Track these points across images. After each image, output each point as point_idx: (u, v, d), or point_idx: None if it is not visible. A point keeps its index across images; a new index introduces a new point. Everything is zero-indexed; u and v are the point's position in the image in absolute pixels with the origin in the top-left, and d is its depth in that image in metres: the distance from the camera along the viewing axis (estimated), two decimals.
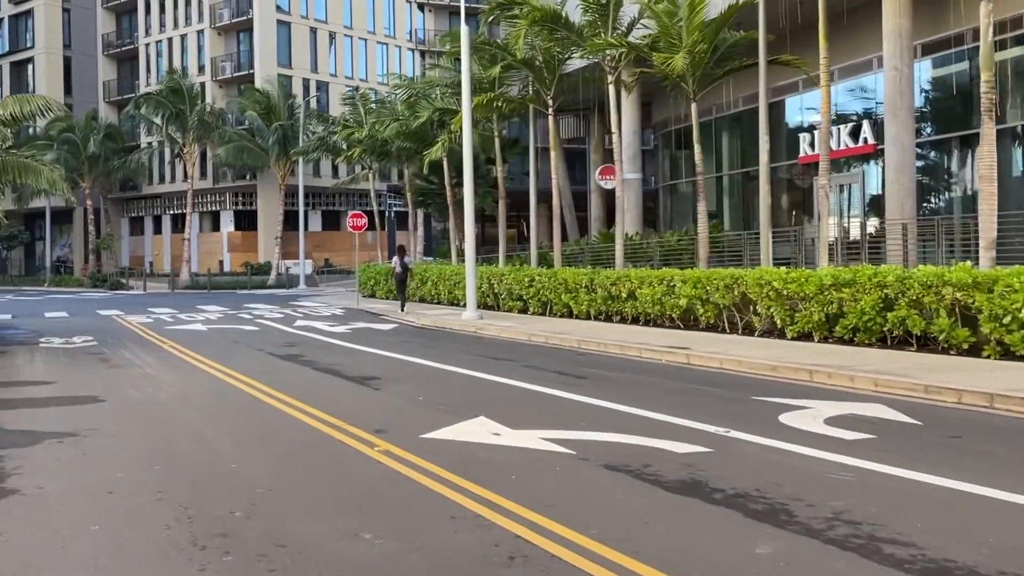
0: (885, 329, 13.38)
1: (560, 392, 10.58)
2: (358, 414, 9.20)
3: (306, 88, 55.62)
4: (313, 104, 53.06)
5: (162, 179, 59.97)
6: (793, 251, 25.50)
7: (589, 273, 20.82)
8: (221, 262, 55.25)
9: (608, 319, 20.16)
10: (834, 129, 25.17)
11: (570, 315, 21.55)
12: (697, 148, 19.30)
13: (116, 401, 10.50)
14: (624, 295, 19.29)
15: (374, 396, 10.64)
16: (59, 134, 51.92)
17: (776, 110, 29.69)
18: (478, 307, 22.50)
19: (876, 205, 24.21)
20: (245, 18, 54.82)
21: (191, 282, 49.84)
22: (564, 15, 19.96)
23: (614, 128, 20.86)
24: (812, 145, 25.73)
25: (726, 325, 16.80)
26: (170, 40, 58.97)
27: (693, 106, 19.22)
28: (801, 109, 27.96)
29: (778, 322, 15.34)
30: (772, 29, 18.82)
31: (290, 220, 51.94)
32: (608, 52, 20.28)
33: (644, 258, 25.41)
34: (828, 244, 16.86)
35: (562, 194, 38.81)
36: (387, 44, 61.92)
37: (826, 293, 14.32)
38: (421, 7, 64.25)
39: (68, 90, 62.93)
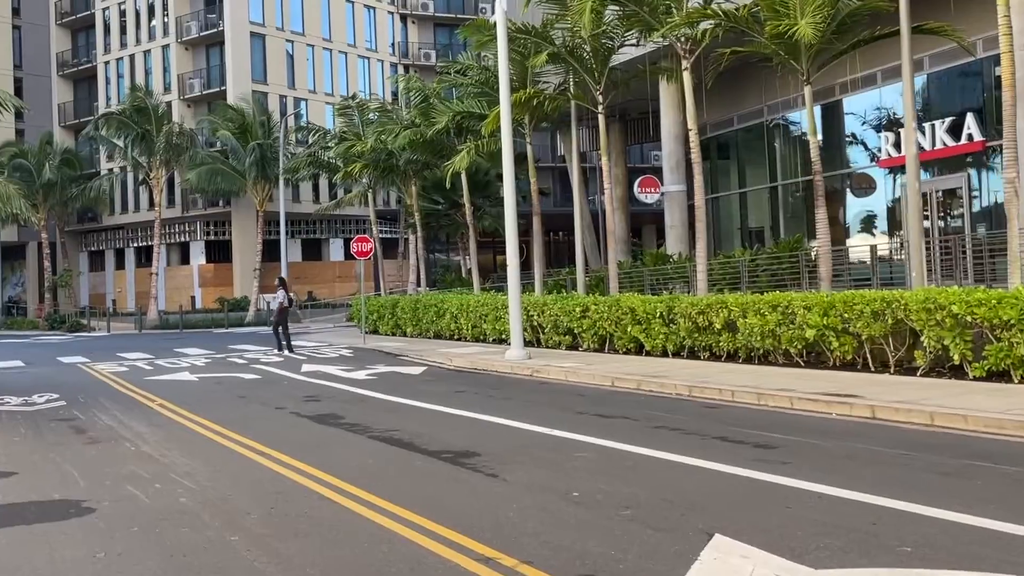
0: None
1: (771, 476, 7.37)
2: (514, 536, 5.92)
3: (283, 105, 52.35)
4: (292, 122, 49.76)
5: (125, 208, 56.26)
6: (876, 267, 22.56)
7: (666, 300, 17.66)
8: (193, 298, 51.57)
9: (692, 355, 17.02)
10: (925, 126, 22.33)
11: (639, 351, 18.40)
12: (812, 140, 16.28)
13: (113, 511, 7.15)
14: (718, 326, 16.15)
15: (502, 493, 7.32)
16: (9, 160, 48.23)
17: (830, 113, 26.93)
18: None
19: (987, 212, 21.34)
20: (215, 31, 51.55)
21: (160, 321, 46.15)
22: None
23: (691, 125, 17.79)
24: (897, 145, 22.83)
25: (870, 362, 13.69)
26: (132, 57, 55.52)
27: (807, 89, 16.18)
28: (875, 107, 25.07)
29: (955, 357, 12.22)
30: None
31: (268, 250, 48.53)
32: (683, 32, 17.28)
33: (709, 282, 22.26)
34: (1019, 260, 13.78)
35: (582, 214, 35.91)
36: (369, 58, 58.86)
37: None
38: (404, 19, 61.36)
39: (19, 114, 59.02)
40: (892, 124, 23.83)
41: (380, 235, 54.32)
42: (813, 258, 20.74)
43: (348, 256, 56.28)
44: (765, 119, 27.92)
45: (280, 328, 24.50)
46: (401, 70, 60.45)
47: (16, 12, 60.28)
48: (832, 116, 27.00)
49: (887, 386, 11.95)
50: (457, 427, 10.99)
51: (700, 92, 26.43)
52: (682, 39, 17.54)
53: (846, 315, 13.78)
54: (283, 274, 44.94)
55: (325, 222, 55.40)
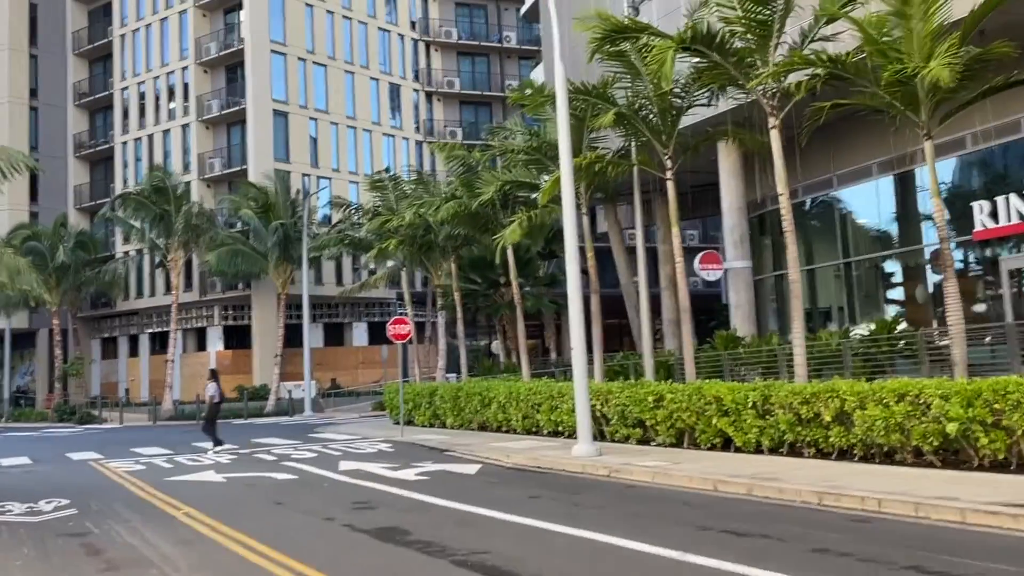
0: None
1: None
2: None
3: (306, 184, 51.32)
4: (314, 201, 48.64)
5: (140, 293, 55.00)
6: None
7: (760, 387, 15.77)
8: None
9: (794, 452, 15.06)
10: (999, 200, 20.53)
11: (725, 446, 16.44)
12: (936, 203, 14.50)
13: None
14: (828, 418, 14.22)
15: None
16: (22, 243, 47.02)
17: (903, 185, 25.24)
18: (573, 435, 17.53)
19: None
20: (237, 109, 50.87)
21: (175, 412, 44.32)
22: (720, 36, 15.48)
23: (781, 188, 16.10)
24: (994, 215, 21.08)
25: None
26: (150, 137, 54.93)
27: (927, 144, 14.51)
28: (959, 176, 23.44)
29: None
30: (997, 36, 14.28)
31: (288, 335, 46.88)
32: (768, 85, 15.79)
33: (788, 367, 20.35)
34: None
35: (626, 295, 34.19)
36: (394, 136, 58.13)
37: None
38: (429, 96, 60.84)
39: (34, 196, 58.49)
40: (983, 193, 22.10)
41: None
42: (911, 339, 18.89)
43: (372, 341, 54.75)
44: (834, 190, 26.32)
45: (207, 422, 23.14)
46: (425, 148, 59.75)
47: (33, 93, 60.03)
48: (905, 188, 25.30)
49: None
50: (558, 549, 9.09)
51: (757, 161, 24.94)
52: (768, 94, 16.01)
53: (996, 405, 11.89)
54: (305, 360, 43.46)
55: (348, 305, 53.92)
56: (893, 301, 26.25)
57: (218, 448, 22.29)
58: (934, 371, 17.33)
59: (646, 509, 11.54)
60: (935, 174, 14.30)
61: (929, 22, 13.32)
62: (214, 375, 23.89)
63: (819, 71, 14.75)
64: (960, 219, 22.87)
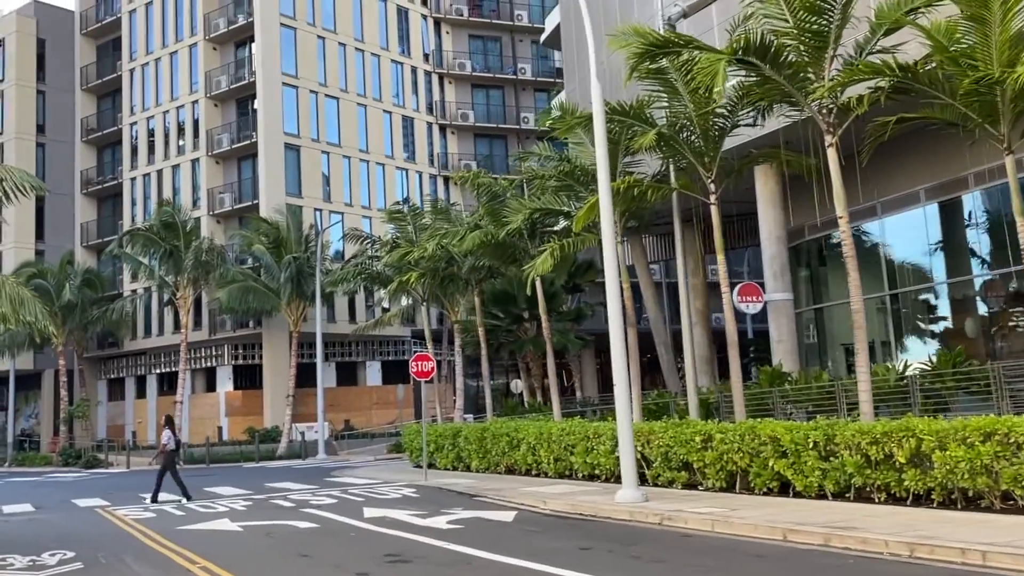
0: None
1: None
2: None
3: (318, 219, 50.61)
4: (327, 236, 47.89)
5: (148, 332, 54.13)
6: None
7: (822, 426, 14.74)
8: (219, 428, 48.77)
9: (862, 497, 14.00)
10: None
11: (783, 491, 15.39)
12: (1020, 221, 13.51)
13: None
14: (902, 460, 13.18)
15: None
16: (28, 280, 46.24)
17: (949, 212, 24.30)
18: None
19: None
20: (248, 143, 50.29)
21: (184, 455, 43.22)
22: (774, 47, 14.66)
23: (840, 211, 15.23)
24: None
25: None
26: (159, 173, 54.35)
27: (1008, 159, 13.57)
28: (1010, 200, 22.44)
29: None
30: None
31: (300, 375, 45.95)
32: (825, 100, 14.93)
33: (850, 403, 19.33)
34: None
35: (655, 330, 33.23)
36: (407, 169, 57.47)
37: None
38: (443, 129, 60.32)
39: (40, 234, 58.03)
40: None
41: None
42: (982, 373, 17.82)
43: (387, 380, 53.80)
44: (878, 218, 25.36)
45: (168, 473, 22.15)
46: (440, 182, 59.13)
47: (41, 129, 59.74)
48: (951, 216, 24.34)
49: None
50: None
51: (801, 187, 23.99)
52: (824, 110, 15.14)
53: None
54: (319, 400, 42.47)
55: (361, 343, 52.93)
56: (940, 334, 25.22)
57: (152, 504, 21.14)
58: (1007, 407, 16.30)
59: (715, 563, 10.51)
60: (1018, 189, 13.34)
61: (1007, 28, 12.48)
62: (169, 422, 23.04)
63: (882, 83, 13.88)
64: (1005, 248, 21.88)
